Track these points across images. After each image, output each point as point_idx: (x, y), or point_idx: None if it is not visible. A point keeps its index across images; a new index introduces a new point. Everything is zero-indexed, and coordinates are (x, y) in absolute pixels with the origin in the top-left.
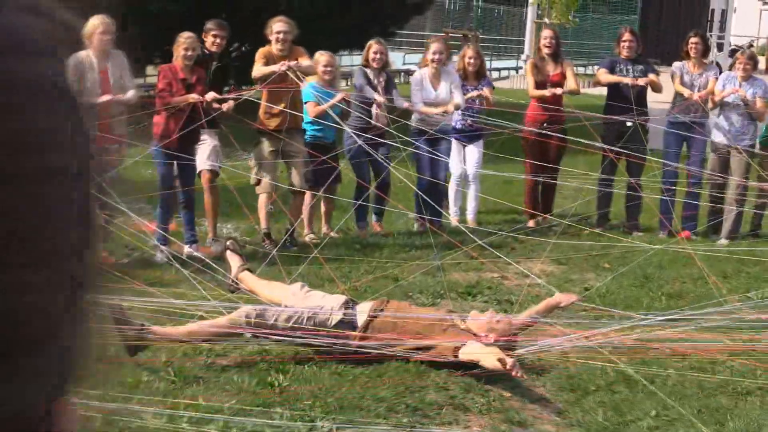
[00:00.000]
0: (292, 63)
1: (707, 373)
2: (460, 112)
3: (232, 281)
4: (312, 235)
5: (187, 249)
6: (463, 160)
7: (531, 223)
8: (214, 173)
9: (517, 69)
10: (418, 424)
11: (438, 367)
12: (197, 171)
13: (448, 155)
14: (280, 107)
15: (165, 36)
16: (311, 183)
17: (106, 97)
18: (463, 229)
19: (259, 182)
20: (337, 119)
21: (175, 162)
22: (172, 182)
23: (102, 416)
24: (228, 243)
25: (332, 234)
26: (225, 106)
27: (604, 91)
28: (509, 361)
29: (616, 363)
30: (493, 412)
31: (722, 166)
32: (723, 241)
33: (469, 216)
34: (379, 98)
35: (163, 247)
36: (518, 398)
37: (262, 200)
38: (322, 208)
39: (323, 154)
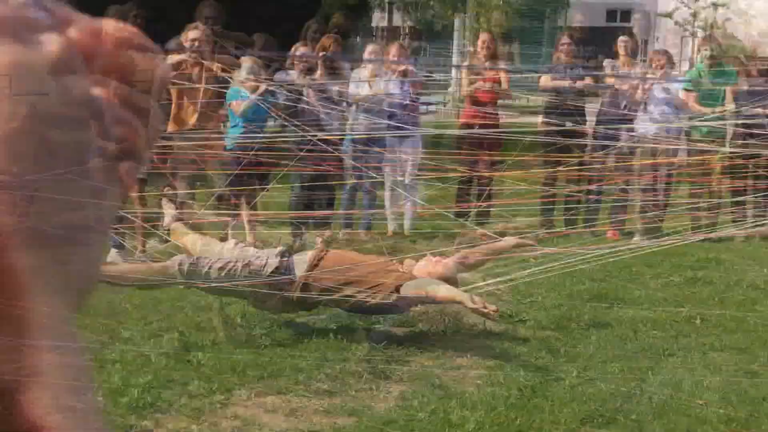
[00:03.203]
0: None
1: (630, 340)
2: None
3: (164, 231)
4: None
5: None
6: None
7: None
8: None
9: (444, 103)
10: (337, 391)
11: (359, 341)
12: None
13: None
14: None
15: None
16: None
17: None
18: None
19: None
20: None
21: None
22: None
23: None
24: (165, 190)
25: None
26: None
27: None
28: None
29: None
30: (415, 378)
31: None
32: (636, 238)
33: (406, 224)
34: (304, 80)
35: None
36: (439, 367)
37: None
38: (245, 219)
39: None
